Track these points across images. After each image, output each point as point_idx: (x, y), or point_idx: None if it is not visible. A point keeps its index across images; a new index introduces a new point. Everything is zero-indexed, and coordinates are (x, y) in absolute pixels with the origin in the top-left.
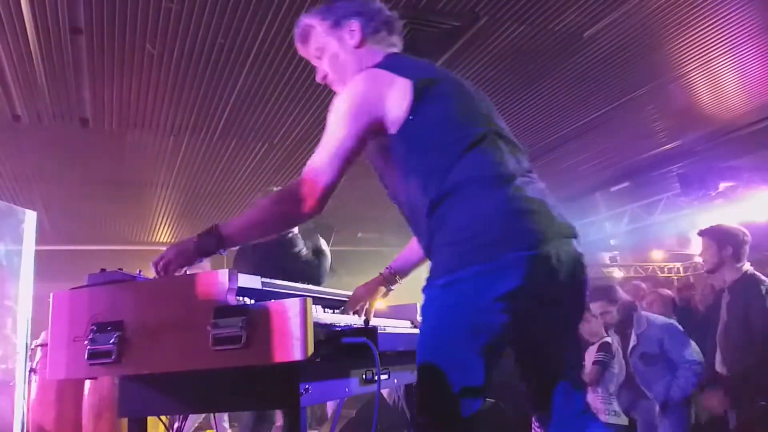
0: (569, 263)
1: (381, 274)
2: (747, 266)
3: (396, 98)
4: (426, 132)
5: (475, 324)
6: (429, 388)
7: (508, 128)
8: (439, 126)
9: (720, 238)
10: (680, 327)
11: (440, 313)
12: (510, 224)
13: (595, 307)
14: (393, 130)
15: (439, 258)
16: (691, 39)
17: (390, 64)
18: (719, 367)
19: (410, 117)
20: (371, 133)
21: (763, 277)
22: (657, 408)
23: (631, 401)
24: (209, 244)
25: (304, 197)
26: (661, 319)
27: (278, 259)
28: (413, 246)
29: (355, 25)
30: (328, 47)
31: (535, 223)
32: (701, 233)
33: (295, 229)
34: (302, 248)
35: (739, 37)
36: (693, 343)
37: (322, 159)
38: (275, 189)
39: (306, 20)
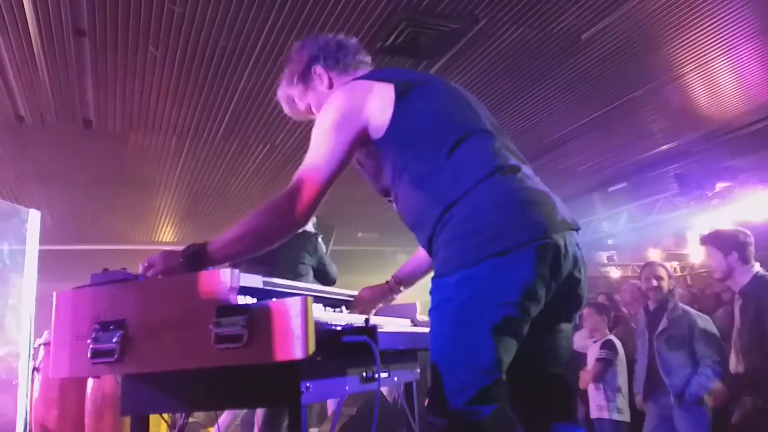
0: (573, 254)
1: (387, 283)
2: (757, 267)
3: (377, 103)
4: (414, 130)
5: (496, 319)
6: (446, 390)
7: (504, 129)
8: (429, 122)
9: (723, 245)
10: (713, 325)
11: (458, 312)
12: (517, 214)
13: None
14: (379, 135)
15: (448, 254)
16: (688, 40)
17: (366, 75)
18: (734, 368)
19: (395, 118)
20: (357, 143)
21: None
22: (672, 399)
23: (647, 392)
24: (194, 261)
25: (290, 210)
26: (695, 311)
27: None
28: (419, 256)
29: (318, 68)
30: (311, 101)
31: (540, 213)
32: (703, 241)
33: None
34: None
35: (736, 38)
36: (721, 343)
37: (308, 172)
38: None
39: (280, 93)
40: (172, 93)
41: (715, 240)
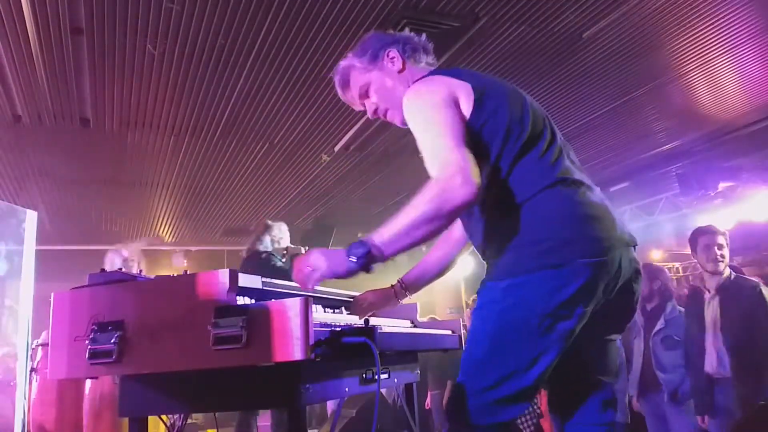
0: (628, 270)
1: (392, 287)
2: (727, 271)
3: (462, 95)
4: (485, 131)
5: (540, 327)
6: (473, 387)
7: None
8: (499, 124)
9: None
10: None
11: (503, 316)
12: (577, 229)
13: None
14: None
15: (503, 260)
16: (690, 39)
17: (440, 73)
18: (711, 368)
19: (472, 117)
20: (460, 116)
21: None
22: (666, 397)
23: (641, 391)
24: (368, 261)
25: (461, 184)
26: None
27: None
28: (427, 262)
29: (393, 52)
30: (373, 80)
31: (601, 229)
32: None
33: (269, 247)
34: (277, 262)
35: (738, 37)
36: None
37: (448, 150)
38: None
39: (343, 63)
40: (170, 92)
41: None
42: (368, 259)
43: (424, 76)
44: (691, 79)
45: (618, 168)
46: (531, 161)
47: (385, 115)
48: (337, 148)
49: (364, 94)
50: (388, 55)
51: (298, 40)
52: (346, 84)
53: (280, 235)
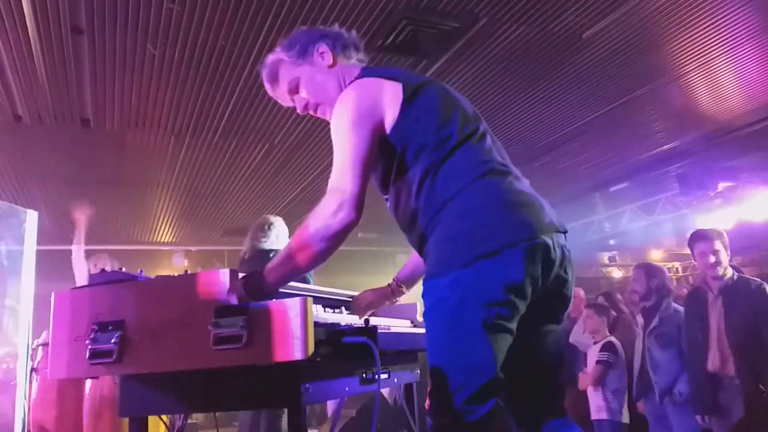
0: (561, 255)
1: (389, 285)
2: (729, 272)
3: (388, 101)
4: (416, 132)
5: (488, 318)
6: (447, 388)
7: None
8: (429, 125)
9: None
10: None
11: (452, 312)
12: (507, 216)
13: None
14: (386, 132)
15: (439, 254)
16: (690, 40)
17: (372, 72)
18: (714, 368)
19: (400, 118)
20: (377, 135)
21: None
22: (657, 398)
23: (641, 391)
24: (252, 289)
25: (337, 209)
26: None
27: None
28: (418, 256)
29: (323, 47)
30: (302, 75)
31: (528, 214)
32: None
33: (274, 244)
34: None
35: (738, 37)
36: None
37: (342, 172)
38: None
39: (271, 58)
40: (171, 92)
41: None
42: (251, 286)
43: (357, 76)
44: (691, 79)
45: (618, 168)
46: (460, 157)
47: (315, 111)
48: None
49: (294, 89)
50: (317, 50)
51: None
52: (274, 79)
53: (284, 231)
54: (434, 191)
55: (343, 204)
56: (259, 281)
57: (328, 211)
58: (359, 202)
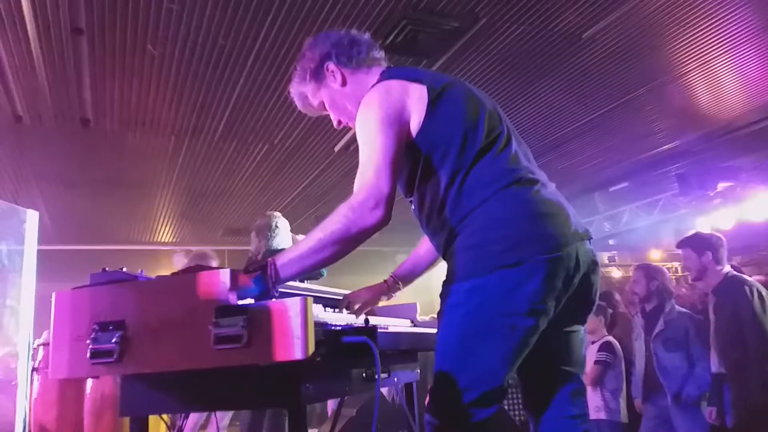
0: (585, 263)
1: (385, 282)
2: (727, 268)
3: (413, 104)
4: (442, 135)
5: (504, 328)
6: (448, 391)
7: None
8: (455, 129)
9: (697, 246)
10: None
11: (467, 318)
12: (532, 227)
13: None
14: (411, 136)
15: (462, 262)
16: (690, 39)
17: (396, 73)
18: (715, 368)
19: (426, 121)
20: (404, 137)
21: (746, 277)
22: (669, 400)
23: (646, 394)
24: (259, 280)
25: (375, 206)
26: (691, 313)
27: None
28: (418, 254)
29: (330, 65)
30: (324, 98)
31: (554, 226)
32: (679, 245)
33: (282, 243)
34: None
35: (737, 37)
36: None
37: (376, 170)
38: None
39: (293, 90)
40: (171, 92)
41: (690, 242)
42: (264, 282)
43: (379, 80)
44: (691, 79)
45: (618, 168)
46: (487, 164)
47: (348, 125)
48: (337, 148)
49: (325, 109)
50: (327, 70)
51: (298, 40)
52: (309, 106)
53: (287, 228)
54: (460, 199)
55: (380, 202)
56: (275, 272)
57: (367, 205)
58: (392, 205)
